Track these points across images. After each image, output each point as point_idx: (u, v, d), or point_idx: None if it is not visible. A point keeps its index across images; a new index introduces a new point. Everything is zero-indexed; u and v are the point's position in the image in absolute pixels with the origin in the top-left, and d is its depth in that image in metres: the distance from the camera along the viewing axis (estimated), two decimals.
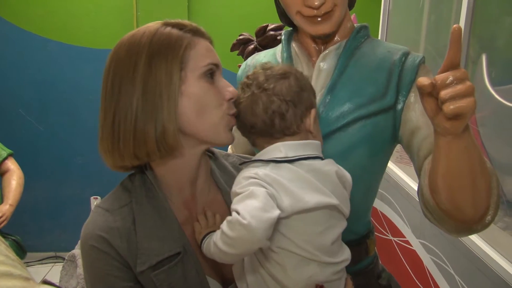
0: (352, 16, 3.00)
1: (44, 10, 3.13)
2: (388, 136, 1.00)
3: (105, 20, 3.14)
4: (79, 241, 1.76)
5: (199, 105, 0.82)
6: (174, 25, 0.85)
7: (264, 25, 1.93)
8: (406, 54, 1.01)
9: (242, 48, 1.98)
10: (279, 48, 1.13)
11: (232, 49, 2.02)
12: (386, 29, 2.61)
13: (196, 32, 0.86)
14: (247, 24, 2.59)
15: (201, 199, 0.92)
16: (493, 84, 1.61)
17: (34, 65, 3.18)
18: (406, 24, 2.53)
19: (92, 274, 0.83)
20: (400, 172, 2.20)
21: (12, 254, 0.55)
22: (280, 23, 1.88)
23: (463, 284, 1.56)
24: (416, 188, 1.89)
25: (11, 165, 2.42)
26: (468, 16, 1.67)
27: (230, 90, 0.86)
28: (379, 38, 2.63)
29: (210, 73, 0.84)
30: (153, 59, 0.80)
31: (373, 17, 2.66)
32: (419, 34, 2.32)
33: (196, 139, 0.86)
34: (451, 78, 0.66)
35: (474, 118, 1.63)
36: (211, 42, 0.90)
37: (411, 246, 1.98)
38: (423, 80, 0.68)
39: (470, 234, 0.84)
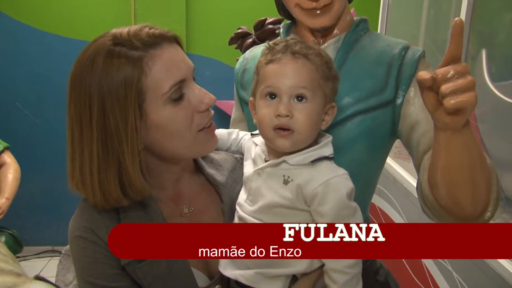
0: (352, 11, 2.99)
1: (42, 2, 3.10)
2: (387, 131, 0.99)
3: (102, 13, 3.11)
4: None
5: (168, 132, 0.79)
6: (124, 44, 0.76)
7: (263, 18, 1.92)
8: (406, 48, 0.99)
9: (240, 41, 1.98)
10: None
11: (230, 43, 2.01)
12: (386, 24, 2.59)
13: (154, 43, 0.78)
14: (246, 17, 2.57)
15: (187, 193, 0.91)
16: (493, 80, 1.60)
17: (31, 58, 3.15)
18: (405, 18, 2.51)
19: (81, 264, 0.83)
20: (398, 168, 2.19)
21: (4, 250, 0.54)
22: (278, 17, 1.87)
23: (462, 282, 1.56)
24: (414, 184, 1.89)
25: (8, 158, 2.41)
26: (469, 11, 1.66)
27: (205, 102, 0.82)
28: (379, 32, 2.61)
29: (178, 95, 0.79)
30: (106, 102, 0.75)
31: (372, 11, 2.64)
32: (419, 28, 2.31)
33: (176, 159, 0.85)
34: (452, 72, 0.65)
35: (474, 113, 1.62)
36: (176, 39, 0.83)
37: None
38: (424, 74, 0.67)
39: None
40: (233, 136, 1.05)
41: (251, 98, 0.91)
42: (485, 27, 1.73)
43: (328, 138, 0.88)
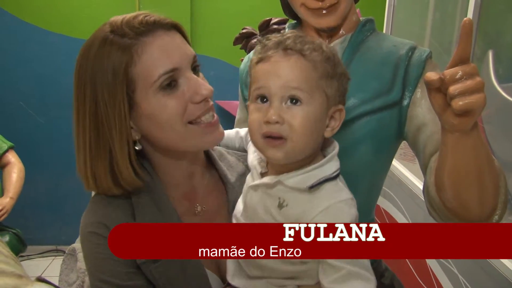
0: (357, 11, 2.98)
1: (45, 2, 3.11)
2: (393, 133, 0.98)
3: (106, 13, 3.09)
4: (78, 236, 1.74)
5: (158, 123, 0.77)
6: (117, 32, 0.76)
7: (268, 19, 1.91)
8: (412, 49, 0.98)
9: (245, 42, 1.97)
10: None
11: (235, 43, 2.01)
12: (391, 24, 2.58)
13: (146, 30, 0.76)
14: (251, 18, 2.56)
15: (201, 190, 0.90)
16: (500, 81, 1.59)
17: (35, 58, 3.15)
18: (411, 19, 2.50)
19: (93, 262, 0.81)
20: (404, 169, 2.18)
21: (5, 250, 0.54)
22: (283, 17, 1.86)
23: (467, 284, 1.55)
24: (420, 186, 1.88)
25: (12, 158, 2.42)
26: (476, 12, 1.65)
27: (202, 93, 0.78)
28: (384, 32, 2.60)
29: (168, 82, 0.76)
30: (96, 89, 0.75)
31: (378, 12, 2.63)
32: (424, 29, 2.30)
33: (175, 151, 0.83)
34: (460, 73, 0.64)
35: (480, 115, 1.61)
36: (175, 26, 0.81)
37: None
38: (431, 75, 0.66)
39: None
40: (241, 134, 1.00)
41: (248, 103, 0.83)
42: (491, 28, 1.72)
43: (334, 150, 0.79)
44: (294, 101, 0.72)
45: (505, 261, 1.35)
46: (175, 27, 0.81)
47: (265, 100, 0.74)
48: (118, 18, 0.78)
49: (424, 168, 0.89)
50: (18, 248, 2.42)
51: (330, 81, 0.75)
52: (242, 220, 0.82)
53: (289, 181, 0.75)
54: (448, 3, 2.11)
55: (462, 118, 0.66)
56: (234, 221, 0.85)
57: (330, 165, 0.77)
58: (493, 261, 1.39)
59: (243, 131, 1.01)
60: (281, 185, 0.76)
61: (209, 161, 0.93)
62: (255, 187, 0.80)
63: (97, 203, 0.84)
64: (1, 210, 2.24)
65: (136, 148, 0.81)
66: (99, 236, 0.80)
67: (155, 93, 0.76)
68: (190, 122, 0.79)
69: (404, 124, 0.97)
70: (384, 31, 2.61)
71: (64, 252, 2.77)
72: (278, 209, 0.75)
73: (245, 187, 0.84)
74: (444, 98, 0.67)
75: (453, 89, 0.63)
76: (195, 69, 0.82)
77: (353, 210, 0.75)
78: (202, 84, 0.79)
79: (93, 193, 0.86)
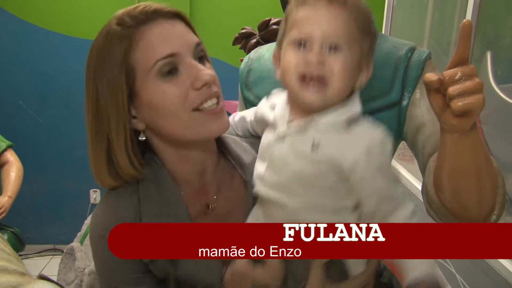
0: None
1: (46, 1, 3.11)
2: (392, 133, 0.97)
3: (106, 12, 3.09)
4: (77, 236, 1.73)
5: (160, 111, 0.77)
6: (120, 22, 0.76)
7: (267, 19, 1.91)
8: (412, 50, 0.99)
9: (244, 42, 1.97)
10: None
11: (234, 43, 2.00)
12: (390, 25, 2.59)
13: (146, 19, 0.76)
14: (250, 18, 2.56)
15: (211, 188, 0.88)
16: (498, 82, 1.60)
17: (34, 57, 3.15)
18: (410, 20, 2.51)
19: (104, 267, 0.81)
20: (402, 170, 2.18)
21: (8, 248, 0.54)
22: (283, 18, 1.86)
23: (465, 284, 1.55)
24: (418, 186, 1.88)
25: (10, 157, 2.41)
26: (474, 13, 1.66)
27: (202, 78, 0.76)
28: (383, 32, 2.61)
29: (168, 68, 0.75)
30: (97, 80, 0.76)
31: (377, 13, 2.64)
32: (423, 30, 2.31)
33: (180, 141, 0.81)
34: (459, 74, 0.64)
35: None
36: (178, 14, 0.80)
37: None
38: (431, 76, 0.66)
39: None
40: (249, 117, 0.96)
41: (274, 50, 0.82)
42: (490, 30, 1.73)
43: (356, 92, 0.78)
44: (334, 49, 0.72)
45: (503, 261, 1.36)
46: (178, 16, 0.80)
47: (303, 45, 0.73)
48: (121, 10, 0.80)
49: (423, 168, 0.89)
50: (17, 247, 2.42)
51: (366, 38, 0.76)
52: (268, 177, 0.79)
53: (324, 118, 0.74)
54: (447, 4, 2.12)
55: (461, 118, 0.66)
56: (257, 182, 0.81)
57: (356, 103, 0.77)
58: (491, 261, 1.40)
59: (249, 114, 0.96)
60: (316, 123, 0.74)
61: (220, 152, 0.91)
62: (281, 138, 0.77)
63: (108, 202, 0.83)
64: (0, 209, 2.23)
65: (140, 138, 0.81)
66: None
67: (154, 80, 0.75)
68: (195, 110, 0.78)
69: (403, 125, 0.97)
70: (383, 32, 2.62)
71: (62, 251, 2.77)
72: (312, 151, 0.73)
73: (265, 141, 0.81)
74: (443, 98, 0.67)
75: (452, 90, 0.64)
76: (201, 58, 0.80)
77: (389, 140, 0.75)
78: (203, 70, 0.77)
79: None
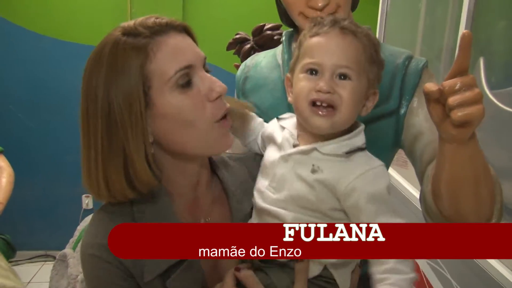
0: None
1: (38, 5, 3.09)
2: (390, 141, 0.99)
3: (99, 16, 3.10)
4: (69, 242, 1.71)
5: (178, 123, 0.76)
6: (130, 33, 0.75)
7: (261, 24, 1.91)
8: (409, 58, 0.99)
9: (239, 47, 1.96)
10: (279, 49, 1.10)
11: (228, 48, 2.00)
12: (384, 31, 2.61)
13: (160, 30, 0.76)
14: (244, 23, 2.57)
15: (204, 202, 0.88)
16: (491, 88, 1.61)
17: (26, 61, 3.13)
18: (403, 26, 2.53)
19: (94, 283, 0.80)
20: (396, 175, 2.18)
21: (3, 263, 0.53)
22: (277, 23, 1.86)
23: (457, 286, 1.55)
24: (412, 192, 1.88)
25: (1, 162, 2.39)
26: (469, 19, 1.67)
27: (216, 90, 0.78)
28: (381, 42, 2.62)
29: (184, 80, 0.76)
30: (110, 91, 0.74)
31: (371, 19, 2.65)
32: (416, 36, 2.32)
33: (189, 155, 0.81)
34: (459, 85, 0.65)
35: None
36: (185, 28, 0.81)
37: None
38: (431, 86, 0.66)
39: None
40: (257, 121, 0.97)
41: (288, 74, 0.86)
42: (482, 35, 1.74)
43: (361, 126, 0.82)
44: (343, 77, 0.77)
45: (497, 266, 1.37)
46: (185, 30, 0.81)
47: (314, 73, 0.78)
48: (128, 22, 0.78)
49: (421, 176, 0.89)
50: (8, 254, 2.39)
51: (372, 66, 0.80)
52: (269, 194, 0.81)
53: (325, 148, 0.78)
54: (438, 10, 2.14)
55: (461, 129, 0.67)
56: (257, 196, 0.84)
57: (360, 137, 0.81)
58: (486, 266, 1.40)
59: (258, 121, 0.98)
60: (316, 152, 0.78)
61: (212, 169, 0.92)
62: (286, 158, 0.80)
63: (99, 221, 0.81)
64: None
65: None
66: (100, 260, 0.77)
67: (172, 91, 0.75)
68: (217, 121, 0.79)
69: (401, 133, 0.97)
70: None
71: (54, 257, 2.75)
72: (311, 173, 0.77)
73: (270, 160, 0.84)
74: (443, 108, 0.67)
75: (452, 100, 0.64)
76: (207, 72, 0.81)
77: (387, 175, 0.79)
78: (216, 81, 0.79)
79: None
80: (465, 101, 0.64)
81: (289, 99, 0.85)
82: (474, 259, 1.44)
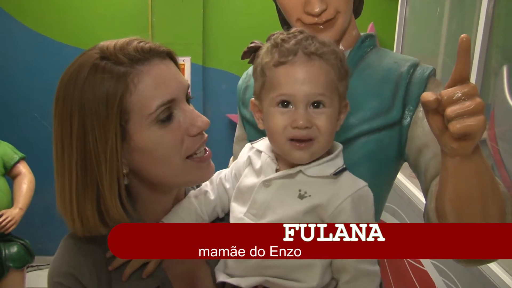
0: (370, 25, 2.95)
1: (61, 14, 3.16)
2: (393, 154, 0.93)
3: (120, 27, 3.15)
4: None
5: (154, 157, 0.73)
6: (111, 58, 0.70)
7: (275, 33, 1.90)
8: (414, 66, 0.93)
9: (253, 56, 1.96)
10: None
11: (243, 57, 1.98)
12: (402, 38, 2.51)
13: (142, 58, 0.71)
14: (264, 32, 2.56)
15: None
16: None
17: (49, 70, 3.20)
18: (423, 33, 2.44)
19: None
20: (413, 188, 2.11)
21: None
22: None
23: None
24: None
25: (23, 168, 2.43)
26: (487, 25, 1.61)
27: (197, 125, 0.74)
28: (395, 47, 2.54)
29: (165, 115, 0.71)
30: (86, 120, 0.69)
31: (392, 26, 2.59)
32: (438, 44, 2.23)
33: (165, 186, 0.78)
34: (458, 94, 0.60)
35: (494, 132, 1.55)
36: (169, 54, 0.76)
37: (423, 266, 1.91)
38: (428, 95, 0.61)
39: (482, 264, 0.77)
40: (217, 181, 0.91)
41: (253, 100, 0.82)
42: (508, 42, 1.68)
43: (340, 147, 0.81)
44: (317, 105, 0.74)
45: (492, 266, 1.32)
46: (169, 55, 0.77)
47: (286, 104, 0.74)
48: (108, 43, 0.73)
49: (426, 192, 0.84)
50: (26, 259, 2.44)
51: (342, 81, 0.77)
52: (247, 220, 0.79)
53: (311, 170, 0.76)
54: (464, 17, 2.05)
55: (461, 141, 0.62)
56: (233, 221, 0.82)
57: (340, 157, 0.80)
58: (483, 267, 1.35)
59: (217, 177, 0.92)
60: (302, 175, 0.76)
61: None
62: (267, 183, 0.78)
63: (66, 249, 0.78)
64: (10, 220, 2.25)
65: (125, 183, 0.75)
66: None
67: (150, 126, 0.71)
68: (188, 157, 0.75)
69: (405, 145, 0.92)
70: (394, 46, 2.55)
71: None
72: (299, 199, 0.75)
73: (247, 185, 0.81)
74: (442, 120, 0.63)
75: (450, 110, 0.59)
76: (187, 100, 0.78)
77: (372, 195, 0.78)
78: (198, 116, 0.75)
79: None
80: (464, 111, 0.59)
81: (260, 126, 0.82)
82: (493, 282, 1.38)
